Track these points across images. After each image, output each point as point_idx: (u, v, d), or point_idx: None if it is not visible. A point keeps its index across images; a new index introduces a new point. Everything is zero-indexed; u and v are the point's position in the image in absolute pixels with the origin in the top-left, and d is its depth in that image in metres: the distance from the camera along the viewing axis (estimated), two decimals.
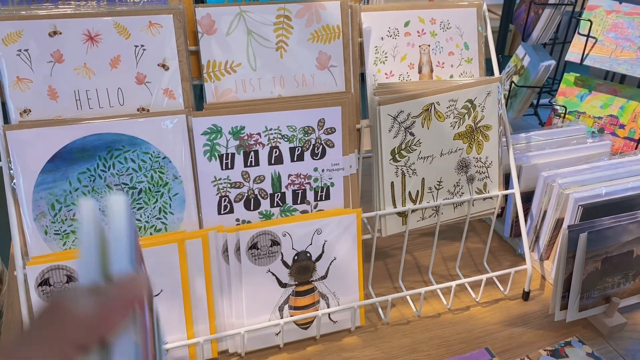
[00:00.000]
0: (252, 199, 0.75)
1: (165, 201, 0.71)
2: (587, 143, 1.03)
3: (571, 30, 1.28)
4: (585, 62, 1.09)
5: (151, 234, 0.71)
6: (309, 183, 0.77)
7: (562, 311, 0.85)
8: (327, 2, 0.77)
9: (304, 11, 0.76)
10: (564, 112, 1.16)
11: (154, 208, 0.71)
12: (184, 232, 0.71)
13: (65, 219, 0.67)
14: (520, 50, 1.33)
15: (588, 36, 1.08)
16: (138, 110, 0.70)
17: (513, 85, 1.27)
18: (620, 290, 0.87)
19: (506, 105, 1.31)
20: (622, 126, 1.12)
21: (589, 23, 1.07)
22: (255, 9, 0.74)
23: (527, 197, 0.96)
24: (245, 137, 0.73)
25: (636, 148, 1.09)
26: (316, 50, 0.77)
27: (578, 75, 1.16)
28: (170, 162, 0.70)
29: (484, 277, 0.88)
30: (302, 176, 0.77)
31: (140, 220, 0.70)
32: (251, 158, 0.74)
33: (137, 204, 0.70)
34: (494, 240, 1.03)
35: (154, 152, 0.69)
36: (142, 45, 0.69)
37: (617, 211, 0.86)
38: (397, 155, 0.81)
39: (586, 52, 1.08)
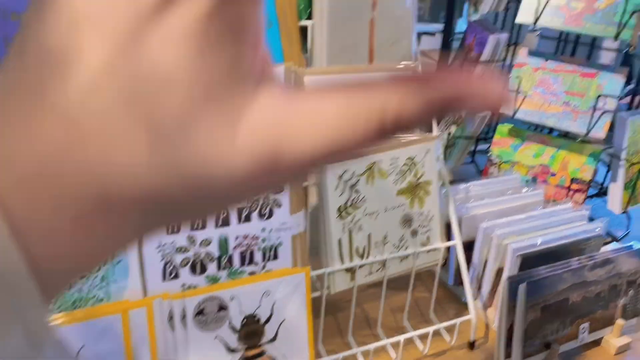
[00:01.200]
0: (198, 264, 0.74)
1: (108, 270, 0.69)
2: (522, 192, 1.09)
3: None
4: (517, 116, 1.16)
5: (93, 304, 0.68)
6: (256, 244, 0.77)
7: None
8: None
9: None
10: (499, 161, 1.22)
11: (95, 277, 0.68)
12: (127, 301, 0.69)
13: None
14: None
15: (518, 92, 1.15)
16: None
17: (451, 136, 1.33)
18: (559, 336, 0.90)
19: (445, 155, 1.37)
20: (553, 174, 1.19)
21: (518, 79, 1.15)
22: None
23: (469, 246, 1.00)
24: None
25: (567, 196, 1.16)
26: None
27: (511, 126, 1.23)
28: None
29: (430, 329, 0.89)
30: (250, 237, 0.77)
31: (81, 291, 0.68)
32: (197, 221, 0.73)
33: None
34: (440, 289, 1.05)
35: None
36: None
37: (552, 259, 0.91)
38: (343, 213, 0.83)
39: (517, 107, 1.15)
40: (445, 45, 1.69)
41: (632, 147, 1.15)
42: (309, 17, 0.91)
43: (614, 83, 1.09)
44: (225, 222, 0.75)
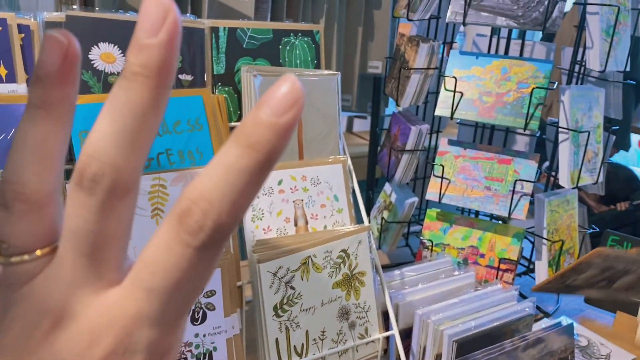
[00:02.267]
0: None
1: None
2: (454, 275, 1.12)
3: (429, 169, 1.43)
4: (443, 201, 1.21)
5: None
6: (190, 350, 0.75)
7: None
8: (201, 168, 0.80)
9: (179, 179, 0.78)
10: (431, 245, 1.25)
11: None
12: None
13: None
14: (387, 187, 1.45)
15: (442, 178, 1.21)
16: None
17: (384, 221, 1.37)
18: None
19: (380, 239, 1.40)
20: (482, 255, 1.24)
21: (442, 167, 1.21)
22: None
23: (407, 334, 1.01)
24: None
25: (497, 276, 1.20)
26: None
27: (439, 210, 1.28)
28: None
29: None
30: (183, 344, 0.74)
31: None
32: None
33: None
34: None
35: None
36: None
37: (487, 342, 0.93)
38: (279, 311, 0.82)
39: (442, 192, 1.21)
40: (374, 130, 1.79)
41: (552, 226, 1.23)
42: (239, 119, 0.94)
43: (529, 168, 1.17)
44: None
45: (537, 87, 1.12)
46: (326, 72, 0.97)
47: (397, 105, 1.28)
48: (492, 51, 1.32)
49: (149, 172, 0.77)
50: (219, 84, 0.92)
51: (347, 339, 0.90)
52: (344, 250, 0.89)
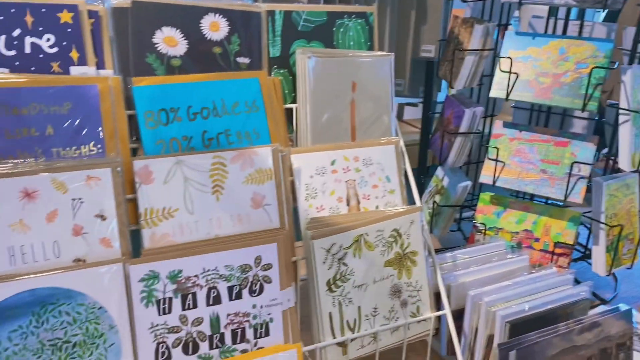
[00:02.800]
0: (190, 343, 0.75)
1: (101, 353, 0.69)
2: (507, 258, 1.11)
3: (482, 152, 1.41)
4: (497, 184, 1.20)
5: None
6: (247, 321, 0.78)
7: None
8: (260, 148, 0.83)
9: (238, 157, 0.81)
10: (484, 229, 1.25)
11: None
12: None
13: None
14: (439, 172, 1.44)
15: (497, 160, 1.20)
16: (74, 262, 0.70)
17: (435, 204, 1.37)
18: None
19: (431, 223, 1.40)
20: (537, 240, 1.22)
21: (496, 149, 1.20)
22: (192, 158, 0.78)
23: (459, 315, 1.01)
24: (183, 281, 0.74)
25: (551, 260, 1.18)
26: (250, 191, 0.82)
27: (493, 194, 1.27)
28: (106, 311, 0.70)
29: None
30: (241, 314, 0.78)
31: None
32: (189, 301, 0.75)
33: (70, 358, 0.68)
34: (433, 358, 1.06)
35: (89, 303, 0.69)
36: (79, 199, 0.71)
37: (540, 324, 0.92)
38: (332, 286, 0.84)
39: (497, 175, 1.20)
40: (426, 115, 1.77)
41: (610, 210, 1.19)
42: (294, 101, 0.97)
43: (586, 150, 1.14)
44: (217, 300, 0.76)
45: (596, 67, 1.09)
46: (379, 53, 0.98)
47: (451, 87, 1.27)
48: (549, 32, 1.29)
49: (209, 151, 0.80)
50: (275, 66, 0.95)
51: (399, 317, 0.91)
52: (395, 230, 0.90)
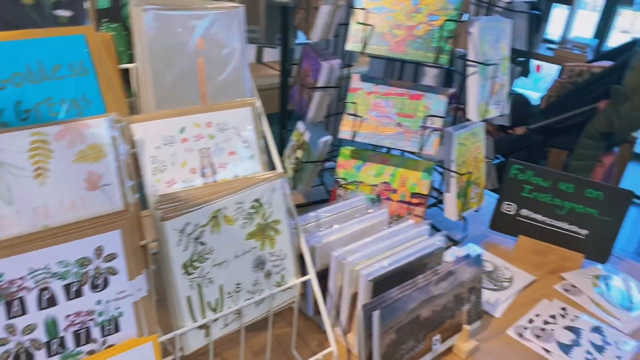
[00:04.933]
0: (22, 354, 0.64)
1: None
2: (368, 213, 1.12)
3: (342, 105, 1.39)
4: (357, 139, 1.19)
5: None
6: (92, 319, 0.69)
7: None
8: (91, 120, 0.71)
9: (64, 132, 0.69)
10: (345, 183, 1.24)
11: None
12: None
13: None
14: (300, 126, 1.40)
15: (355, 115, 1.18)
16: None
17: (298, 160, 1.34)
18: (415, 352, 0.94)
19: (295, 180, 1.37)
20: (394, 191, 1.24)
21: (354, 104, 1.18)
22: (4, 137, 0.65)
23: (325, 274, 1.00)
24: (5, 286, 0.62)
25: (408, 210, 1.22)
26: (83, 171, 0.70)
27: (353, 148, 1.26)
28: None
29: None
30: (83, 314, 0.68)
31: None
32: (15, 307, 0.63)
33: None
34: (301, 320, 1.05)
35: None
36: None
37: (401, 278, 0.94)
38: (189, 268, 0.77)
39: (355, 130, 1.19)
40: (285, 65, 1.71)
41: (460, 159, 1.25)
42: (131, 60, 0.84)
43: (439, 103, 1.17)
44: (52, 302, 0.66)
45: (448, 20, 1.09)
46: (228, 4, 0.88)
47: (307, 38, 1.21)
48: None
49: (27, 127, 0.67)
50: (104, 20, 0.81)
51: (264, 289, 0.87)
52: (257, 200, 0.84)
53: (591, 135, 2.37)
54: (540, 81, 4.54)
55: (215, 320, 0.81)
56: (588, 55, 3.31)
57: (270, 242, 0.87)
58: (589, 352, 1.04)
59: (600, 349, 1.06)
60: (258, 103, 0.91)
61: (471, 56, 1.15)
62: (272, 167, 0.93)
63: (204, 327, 0.81)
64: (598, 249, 1.32)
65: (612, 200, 1.29)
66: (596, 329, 1.11)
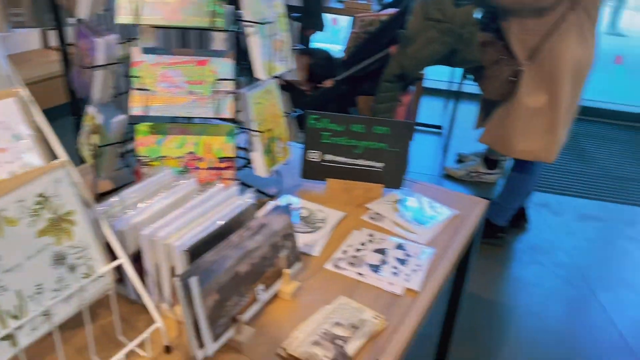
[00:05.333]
0: None
1: None
2: (175, 186, 1.12)
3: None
4: (151, 113, 1.17)
5: None
6: None
7: (201, 350, 0.91)
8: None
9: None
10: (148, 160, 1.22)
11: None
12: None
13: None
14: (90, 109, 1.33)
15: (142, 90, 1.15)
16: None
17: (95, 146, 1.27)
18: (241, 306, 0.99)
19: (97, 167, 1.31)
20: (201, 159, 1.25)
21: (139, 78, 1.15)
22: None
23: (139, 256, 0.99)
24: None
25: (218, 175, 1.24)
26: None
27: (150, 124, 1.23)
28: None
29: (122, 353, 0.87)
30: None
31: None
32: None
33: None
34: (125, 305, 1.03)
35: None
36: None
37: (217, 242, 0.97)
38: None
39: (147, 105, 1.16)
40: (62, 47, 1.59)
41: (259, 117, 1.30)
42: None
43: (226, 66, 1.19)
44: None
45: None
46: None
47: (73, 15, 1.14)
48: None
49: None
50: None
51: (70, 284, 0.84)
52: (41, 195, 0.80)
53: (388, 78, 2.60)
54: (339, 33, 4.80)
55: (18, 327, 0.76)
56: (373, 4, 3.58)
57: (67, 235, 0.84)
58: (394, 267, 1.19)
59: (403, 262, 1.21)
60: (23, 92, 0.85)
61: (247, 17, 1.18)
62: (55, 158, 0.88)
63: (8, 337, 0.75)
64: (393, 177, 1.48)
65: (397, 133, 1.45)
66: (399, 246, 1.27)
